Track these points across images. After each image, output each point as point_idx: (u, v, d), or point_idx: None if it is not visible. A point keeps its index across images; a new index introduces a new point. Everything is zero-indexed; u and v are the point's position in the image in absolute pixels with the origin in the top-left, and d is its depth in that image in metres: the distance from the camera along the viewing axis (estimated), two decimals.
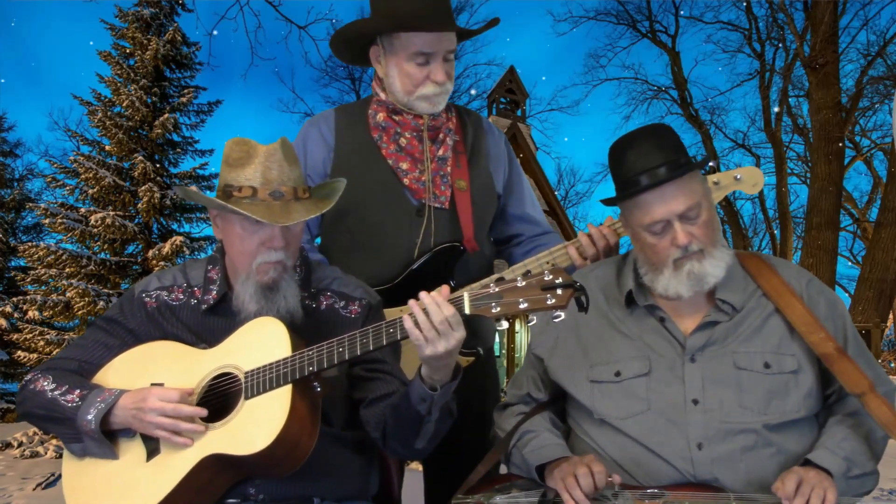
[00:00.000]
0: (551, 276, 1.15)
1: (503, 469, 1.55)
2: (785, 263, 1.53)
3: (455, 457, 1.80)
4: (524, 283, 1.16)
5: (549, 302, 1.14)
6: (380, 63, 1.89)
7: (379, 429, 1.41)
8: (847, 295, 17.77)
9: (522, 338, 13.94)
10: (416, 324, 1.21)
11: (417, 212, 1.84)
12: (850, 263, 21.42)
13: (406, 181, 1.84)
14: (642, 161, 1.40)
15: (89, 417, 1.34)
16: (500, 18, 2.03)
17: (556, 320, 1.17)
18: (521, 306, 1.15)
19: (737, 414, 1.34)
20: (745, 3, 16.66)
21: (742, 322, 1.42)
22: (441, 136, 1.90)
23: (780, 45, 16.67)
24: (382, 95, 1.90)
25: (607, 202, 1.49)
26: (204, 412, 1.33)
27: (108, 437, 1.37)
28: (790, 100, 17.36)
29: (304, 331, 1.41)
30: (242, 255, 1.41)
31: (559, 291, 1.14)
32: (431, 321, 1.20)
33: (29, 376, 1.48)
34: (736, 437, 1.33)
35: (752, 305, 1.44)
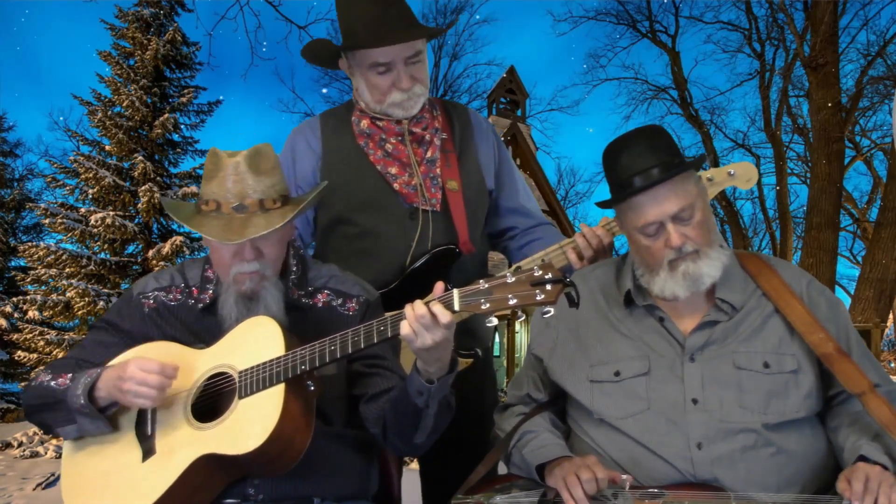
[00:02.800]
0: (541, 272, 1.14)
1: (503, 469, 1.55)
2: (785, 264, 1.53)
3: (453, 457, 1.80)
4: (513, 279, 1.16)
5: (538, 297, 1.13)
6: (351, 75, 1.88)
7: (378, 424, 1.41)
8: (847, 295, 17.78)
9: (522, 338, 13.93)
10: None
11: (410, 216, 1.83)
12: (850, 263, 21.41)
13: (396, 186, 1.83)
14: (636, 163, 1.39)
15: (78, 392, 1.36)
16: (458, 19, 2.03)
17: (546, 316, 1.17)
18: (511, 302, 1.15)
19: (737, 414, 1.34)
20: (744, 3, 16.65)
21: (742, 322, 1.42)
22: (428, 137, 1.88)
23: (780, 45, 16.63)
24: (362, 104, 1.89)
25: (602, 205, 1.48)
26: (170, 384, 1.33)
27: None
28: (790, 100, 17.35)
29: (300, 329, 1.41)
30: (219, 265, 1.43)
31: (548, 287, 1.13)
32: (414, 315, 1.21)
33: (31, 377, 1.50)
34: (736, 437, 1.33)
35: (752, 305, 1.44)
